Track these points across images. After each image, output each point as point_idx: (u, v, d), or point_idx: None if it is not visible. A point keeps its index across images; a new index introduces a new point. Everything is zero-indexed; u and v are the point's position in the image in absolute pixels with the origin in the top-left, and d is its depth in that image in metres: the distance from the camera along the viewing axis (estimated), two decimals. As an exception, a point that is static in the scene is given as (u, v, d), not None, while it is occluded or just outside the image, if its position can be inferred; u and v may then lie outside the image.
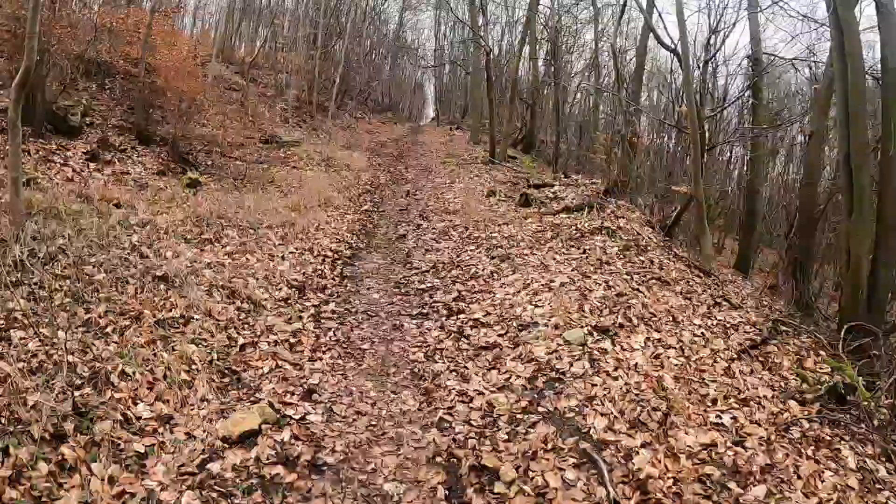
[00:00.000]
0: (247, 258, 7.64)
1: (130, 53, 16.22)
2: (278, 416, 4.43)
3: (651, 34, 12.56)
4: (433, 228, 10.58)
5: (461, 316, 6.51)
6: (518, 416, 4.70)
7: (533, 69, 23.73)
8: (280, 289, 6.94)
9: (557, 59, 18.28)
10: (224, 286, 6.59)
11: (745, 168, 20.05)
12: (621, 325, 6.68)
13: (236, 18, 32.50)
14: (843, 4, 8.02)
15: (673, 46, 12.71)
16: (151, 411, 4.44)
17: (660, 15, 11.92)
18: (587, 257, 8.84)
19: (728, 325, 7.83)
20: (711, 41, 14.33)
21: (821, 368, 7.18)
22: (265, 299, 6.59)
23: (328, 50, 28.88)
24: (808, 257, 11.01)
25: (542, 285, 7.10)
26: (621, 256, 9.58)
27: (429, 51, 38.38)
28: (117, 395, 4.50)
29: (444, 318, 6.46)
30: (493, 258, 8.31)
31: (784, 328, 8.26)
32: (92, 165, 12.06)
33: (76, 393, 4.29)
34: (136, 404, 4.51)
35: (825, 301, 13.43)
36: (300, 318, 6.28)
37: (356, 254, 8.98)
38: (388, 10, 36.79)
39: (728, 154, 20.34)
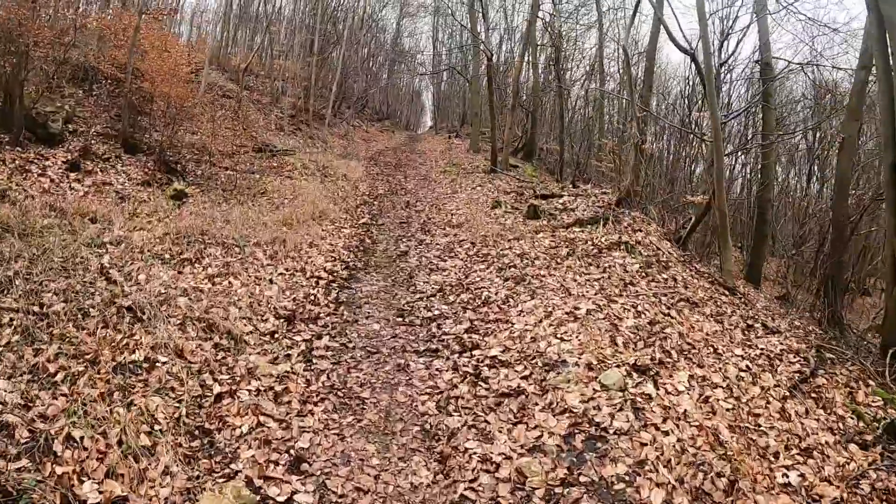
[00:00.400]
0: (230, 282, 6.65)
1: (118, 58, 15.25)
2: (258, 498, 3.45)
3: (666, 36, 11.66)
4: (437, 244, 9.62)
5: (476, 352, 5.53)
6: (556, 489, 3.74)
7: (533, 75, 22.86)
8: (266, 319, 5.96)
9: (560, 64, 17.36)
10: (200, 318, 5.60)
11: (749, 176, 19.19)
12: (661, 362, 5.74)
13: (232, 26, 31.62)
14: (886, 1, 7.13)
15: (689, 49, 11.81)
16: (99, 492, 3.46)
17: (674, 14, 11.00)
18: (609, 277, 7.89)
19: (772, 356, 6.93)
20: (724, 45, 13.51)
21: (873, 402, 6.39)
22: (248, 333, 5.61)
23: (325, 57, 27.96)
24: (840, 272, 10.08)
25: (566, 313, 6.13)
26: (644, 275, 8.67)
27: (426, 59, 37.58)
28: (60, 470, 3.53)
29: (456, 356, 5.47)
30: (506, 280, 7.34)
31: (829, 355, 7.42)
32: (72, 175, 11.14)
33: (10, 467, 3.35)
34: (81, 482, 3.54)
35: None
36: (288, 356, 5.29)
37: (353, 274, 8.00)
38: (386, 17, 36.01)
39: (731, 162, 19.50)
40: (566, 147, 25.67)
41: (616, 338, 5.90)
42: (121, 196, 11.05)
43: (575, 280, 7.35)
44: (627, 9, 18.40)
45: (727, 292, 9.89)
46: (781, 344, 7.51)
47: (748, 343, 7.38)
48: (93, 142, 12.54)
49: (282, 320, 5.99)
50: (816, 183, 19.03)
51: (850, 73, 12.21)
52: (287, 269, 7.48)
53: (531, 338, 5.70)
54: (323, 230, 9.84)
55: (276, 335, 5.68)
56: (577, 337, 5.66)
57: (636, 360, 5.46)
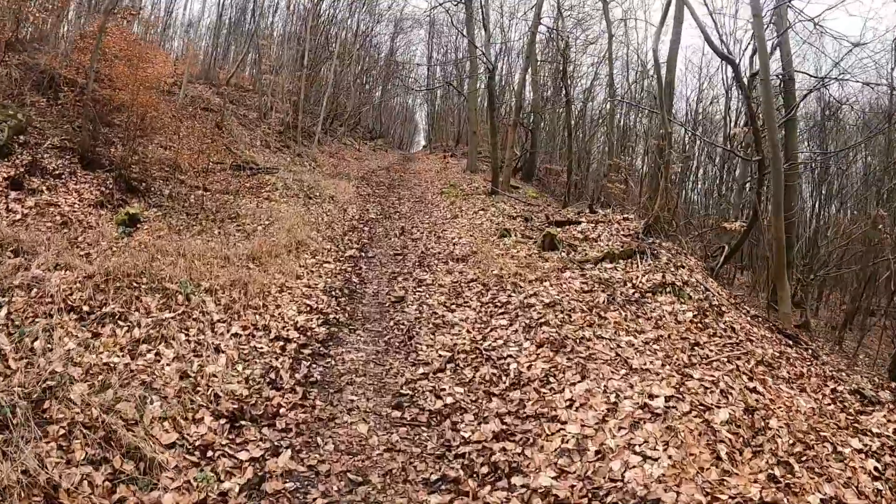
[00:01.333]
0: (158, 353, 4.57)
1: (87, 64, 13.15)
2: None
3: (705, 42, 9.79)
4: (440, 285, 7.58)
5: (516, 481, 3.46)
6: None
7: (533, 91, 21.04)
8: (199, 419, 3.88)
9: (567, 76, 15.50)
10: (95, 424, 3.52)
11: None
12: (788, 487, 3.73)
13: (223, 41, 29.72)
14: None
15: (729, 55, 9.97)
16: None
17: (711, 15, 9.15)
18: (668, 336, 5.89)
19: (896, 447, 4.98)
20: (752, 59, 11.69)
21: None
22: (166, 448, 3.52)
23: (316, 71, 26.05)
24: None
25: (639, 406, 4.10)
26: (701, 325, 6.73)
27: (421, 76, 35.76)
28: None
29: (486, 490, 3.39)
30: (539, 345, 5.28)
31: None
32: (12, 195, 9.16)
33: None
34: None
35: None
36: (224, 498, 3.20)
37: (334, 333, 5.90)
38: (380, 33, 34.21)
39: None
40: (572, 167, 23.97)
41: (716, 445, 3.88)
42: (64, 221, 9.04)
43: (631, 343, 5.33)
44: (653, 12, 16.63)
45: (789, 341, 7.96)
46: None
47: (857, 426, 5.43)
48: (46, 156, 10.55)
49: (223, 421, 3.90)
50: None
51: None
52: (244, 328, 5.40)
53: (596, 452, 3.65)
54: (301, 266, 7.78)
55: (210, 451, 3.59)
56: (664, 451, 3.63)
57: (761, 494, 3.43)
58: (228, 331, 5.30)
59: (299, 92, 23.89)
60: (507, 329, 5.78)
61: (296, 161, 19.30)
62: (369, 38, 31.97)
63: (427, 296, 7.04)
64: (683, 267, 8.53)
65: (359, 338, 5.77)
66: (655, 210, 10.30)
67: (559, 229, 10.59)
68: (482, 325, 6.00)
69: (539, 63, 21.46)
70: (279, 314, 5.96)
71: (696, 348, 5.76)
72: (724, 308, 7.83)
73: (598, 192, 20.54)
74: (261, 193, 11.94)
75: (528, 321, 5.87)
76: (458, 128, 31.44)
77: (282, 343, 5.31)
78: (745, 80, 10.05)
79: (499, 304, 6.51)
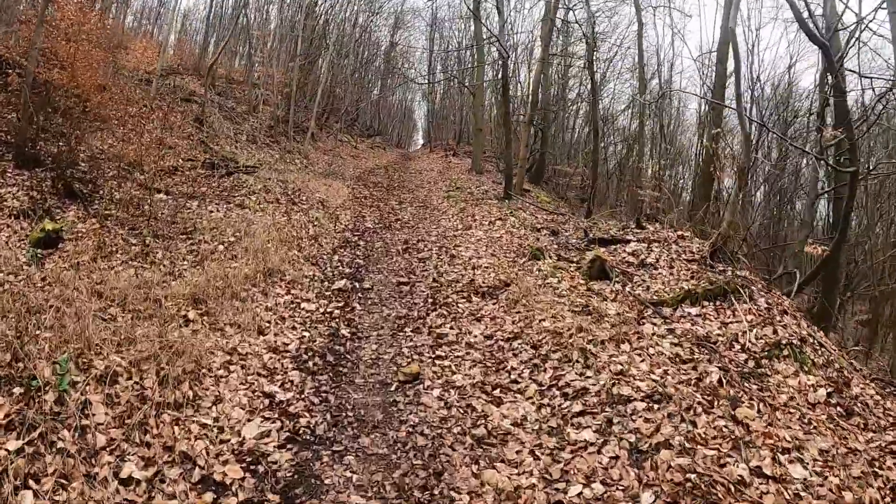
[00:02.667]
0: None
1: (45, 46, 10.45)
2: None
3: (799, 26, 7.30)
4: (468, 344, 5.01)
5: None
6: None
7: (544, 85, 18.48)
8: None
9: (592, 67, 12.92)
10: None
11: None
12: None
13: (216, 32, 26.91)
14: None
15: (822, 39, 7.48)
16: None
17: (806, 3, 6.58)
18: (812, 430, 3.42)
19: None
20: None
21: None
22: None
23: (311, 60, 23.34)
24: None
25: None
26: (843, 411, 4.29)
27: (422, 74, 32.94)
28: None
29: None
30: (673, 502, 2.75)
31: None
32: None
33: None
34: None
35: None
36: None
37: (304, 466, 3.27)
38: (380, 27, 31.42)
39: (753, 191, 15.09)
40: (572, 167, 21.45)
41: None
42: (-33, 236, 6.62)
43: (789, 460, 2.83)
44: None
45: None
46: None
47: None
48: (-30, 152, 8.00)
49: None
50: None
51: None
52: (147, 464, 2.84)
53: None
54: (268, 310, 5.21)
55: None
56: None
57: None
58: (116, 474, 2.75)
59: (292, 84, 21.24)
60: (598, 454, 3.25)
61: (284, 158, 16.67)
62: (368, 32, 29.23)
63: (453, 369, 4.47)
64: (787, 313, 6.06)
65: (349, 472, 3.18)
66: (724, 229, 7.79)
67: (603, 249, 8.08)
68: (554, 441, 3.46)
69: (551, 56, 18.86)
70: (217, 421, 3.40)
71: (852, 455, 3.30)
72: (844, 370, 5.40)
73: (617, 198, 18.08)
74: (233, 198, 9.33)
75: (629, 435, 3.33)
76: (460, 126, 28.80)
77: (211, 499, 2.76)
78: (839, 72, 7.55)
79: (569, 391, 3.97)
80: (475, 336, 5.07)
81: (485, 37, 17.28)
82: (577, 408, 3.73)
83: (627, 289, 6.74)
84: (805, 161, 11.98)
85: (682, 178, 19.42)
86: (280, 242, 7.19)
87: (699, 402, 3.97)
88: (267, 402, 3.79)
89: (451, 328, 5.27)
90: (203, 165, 11.51)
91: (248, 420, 3.51)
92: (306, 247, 7.67)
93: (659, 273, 7.18)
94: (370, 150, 27.19)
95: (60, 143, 9.17)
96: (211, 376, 3.95)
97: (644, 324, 5.32)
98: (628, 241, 8.20)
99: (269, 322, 4.98)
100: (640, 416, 3.62)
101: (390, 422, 3.72)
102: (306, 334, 4.95)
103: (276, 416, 3.62)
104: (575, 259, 7.78)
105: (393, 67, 33.10)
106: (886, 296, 12.14)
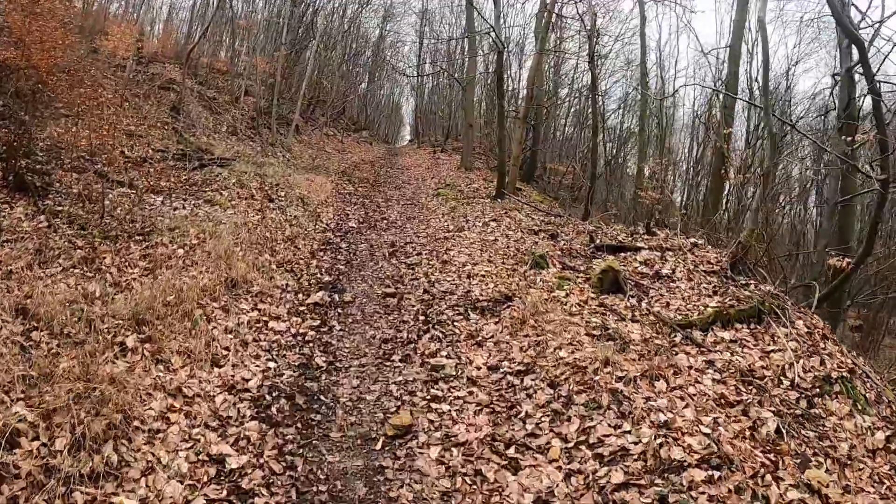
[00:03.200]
0: None
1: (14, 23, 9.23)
2: None
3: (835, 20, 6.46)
4: (470, 379, 4.05)
5: None
6: None
7: (537, 79, 17.53)
8: None
9: (594, 60, 12.01)
10: None
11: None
12: None
13: (200, 22, 25.56)
14: None
15: (857, 34, 6.65)
16: None
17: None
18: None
19: None
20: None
21: None
22: None
23: (297, 49, 22.15)
24: None
25: None
26: None
27: (411, 63, 31.76)
28: None
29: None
30: None
31: None
32: None
33: None
34: None
35: None
36: None
37: None
38: (369, 20, 30.19)
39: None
40: (567, 167, 20.49)
41: None
42: None
43: None
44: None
45: None
46: None
47: None
48: None
49: None
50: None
51: None
52: None
53: None
54: (227, 332, 4.22)
55: None
56: None
57: None
58: None
59: (276, 73, 20.06)
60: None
61: (266, 151, 15.55)
62: (357, 23, 28.03)
63: (453, 416, 3.50)
64: (827, 338, 5.22)
65: None
66: (746, 237, 6.95)
67: (611, 256, 7.20)
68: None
69: (546, 50, 17.89)
70: (145, 502, 2.43)
71: None
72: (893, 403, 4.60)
73: (608, 197, 17.29)
74: (203, 193, 8.27)
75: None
76: (449, 121, 27.77)
77: None
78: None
79: (603, 451, 3.04)
80: (477, 368, 4.13)
81: (477, 27, 16.28)
82: (618, 477, 2.82)
83: (644, 304, 5.86)
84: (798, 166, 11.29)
85: (672, 178, 18.62)
86: (250, 245, 6.18)
87: (763, 464, 3.09)
88: (214, 470, 2.82)
89: (448, 356, 4.32)
90: (174, 157, 10.40)
91: (188, 502, 2.55)
92: (280, 250, 6.67)
93: (677, 287, 6.31)
94: (356, 145, 26.10)
95: (12, 129, 8.04)
96: (144, 431, 2.98)
97: (677, 353, 4.43)
98: (639, 249, 7.31)
99: (227, 349, 4.00)
100: (701, 492, 2.72)
101: (376, 500, 2.77)
102: (272, 365, 3.98)
103: (225, 494, 2.66)
104: (582, 268, 6.87)
105: (382, 60, 31.94)
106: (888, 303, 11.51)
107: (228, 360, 3.87)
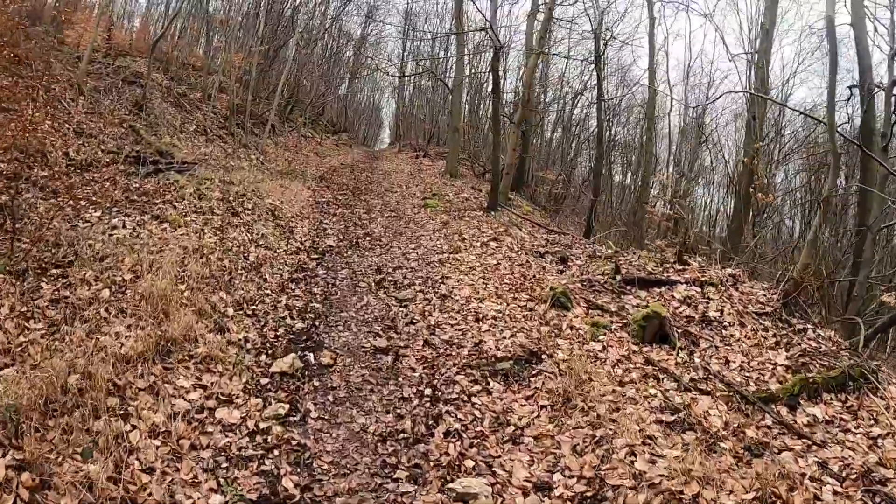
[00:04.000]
0: None
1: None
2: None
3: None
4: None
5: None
6: None
7: (528, 83, 16.26)
8: None
9: (600, 65, 10.74)
10: None
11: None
12: None
13: (177, 18, 23.68)
14: None
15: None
16: None
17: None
18: None
19: None
20: None
21: None
22: None
23: (276, 46, 20.46)
24: None
25: None
26: None
27: (394, 67, 30.12)
28: None
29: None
30: None
31: None
32: None
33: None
34: None
35: None
36: None
37: None
38: (351, 18, 28.52)
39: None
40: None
41: None
42: None
43: None
44: None
45: None
46: None
47: None
48: None
49: None
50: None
51: None
52: None
53: None
54: (150, 436, 2.75)
55: None
56: None
57: None
58: None
59: (251, 70, 18.38)
60: None
61: (238, 154, 13.92)
62: (338, 22, 26.39)
63: None
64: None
65: None
66: (799, 272, 5.71)
67: (644, 292, 5.90)
68: None
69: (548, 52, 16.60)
70: None
71: None
72: None
73: (593, 208, 16.13)
74: (152, 206, 6.71)
75: None
76: (431, 125, 26.34)
77: None
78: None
79: None
80: (522, 491, 2.75)
81: (472, 26, 14.92)
82: None
83: (698, 360, 4.58)
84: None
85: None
86: (200, 280, 4.69)
87: None
88: None
89: (477, 469, 2.93)
90: (126, 160, 8.77)
91: None
92: (240, 284, 5.18)
93: (731, 335, 5.04)
94: (335, 148, 24.46)
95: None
96: None
97: (779, 451, 3.13)
98: (674, 283, 6.03)
99: (150, 470, 2.55)
100: None
101: None
102: (217, 502, 2.54)
103: None
104: (612, 307, 5.55)
105: (363, 61, 30.31)
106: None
107: (150, 493, 2.42)
